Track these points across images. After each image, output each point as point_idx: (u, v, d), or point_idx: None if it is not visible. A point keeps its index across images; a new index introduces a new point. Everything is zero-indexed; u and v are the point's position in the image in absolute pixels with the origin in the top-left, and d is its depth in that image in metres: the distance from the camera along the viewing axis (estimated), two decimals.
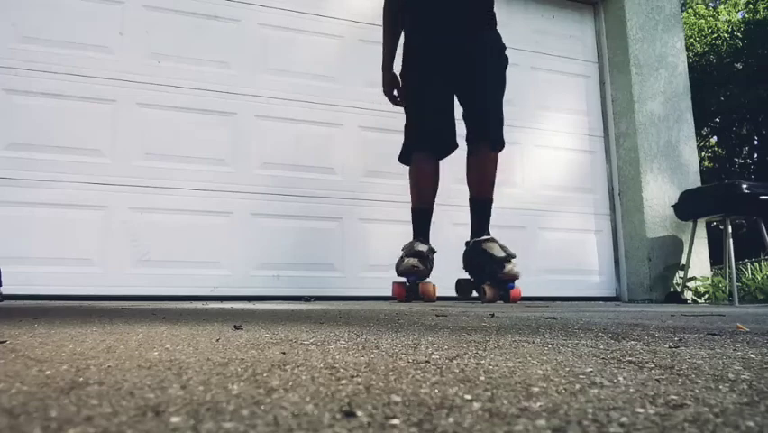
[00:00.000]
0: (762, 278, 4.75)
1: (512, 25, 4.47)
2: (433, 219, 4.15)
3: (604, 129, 4.73)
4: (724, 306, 3.55)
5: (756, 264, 5.62)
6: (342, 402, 0.47)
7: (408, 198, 4.09)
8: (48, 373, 0.60)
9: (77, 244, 3.31)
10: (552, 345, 0.93)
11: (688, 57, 4.99)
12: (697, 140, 4.84)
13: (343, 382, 0.57)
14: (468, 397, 0.50)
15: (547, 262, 4.30)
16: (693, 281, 4.24)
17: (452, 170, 4.16)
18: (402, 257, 3.12)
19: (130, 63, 3.56)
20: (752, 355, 0.81)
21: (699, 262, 4.34)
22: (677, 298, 4.18)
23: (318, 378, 0.58)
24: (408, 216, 4.07)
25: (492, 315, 1.70)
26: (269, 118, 3.82)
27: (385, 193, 3.99)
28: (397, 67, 3.24)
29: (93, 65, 3.48)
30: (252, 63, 3.83)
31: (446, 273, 4.06)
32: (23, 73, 3.35)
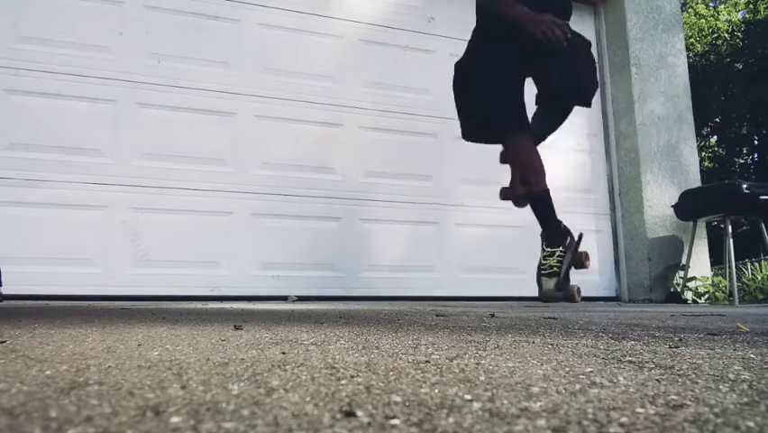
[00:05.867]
0: (762, 278, 4.75)
1: None
2: (437, 220, 4.16)
3: (604, 129, 4.73)
4: (724, 306, 3.55)
5: (756, 264, 5.62)
6: (342, 402, 0.47)
7: (408, 197, 4.11)
8: (48, 373, 0.60)
9: (77, 244, 3.31)
10: (552, 345, 0.93)
11: (688, 57, 4.99)
12: (697, 140, 4.84)
13: (344, 382, 0.57)
14: (468, 397, 0.50)
15: None
16: (693, 281, 4.24)
17: (456, 170, 4.17)
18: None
19: (130, 63, 3.56)
20: (752, 355, 0.81)
21: (699, 262, 4.34)
22: (677, 298, 4.18)
23: (318, 378, 0.58)
24: (409, 216, 4.08)
25: (492, 315, 1.70)
26: (269, 118, 3.81)
27: (385, 193, 3.99)
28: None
29: (93, 65, 3.48)
30: (252, 63, 3.83)
31: (449, 275, 4.07)
32: (23, 73, 3.34)
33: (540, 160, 2.47)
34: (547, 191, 2.47)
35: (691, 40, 16.22)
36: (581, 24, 4.84)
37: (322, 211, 3.83)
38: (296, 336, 1.02)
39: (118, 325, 1.24)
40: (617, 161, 4.64)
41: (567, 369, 0.67)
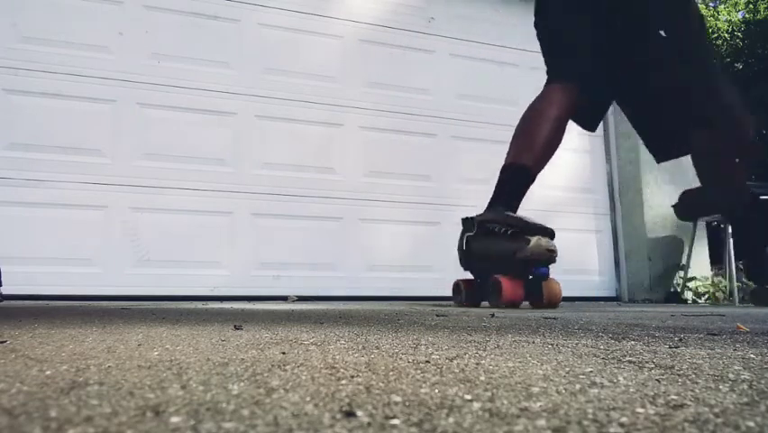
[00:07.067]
0: None
1: (512, 25, 4.47)
2: (437, 220, 4.16)
3: (604, 129, 4.72)
4: (724, 306, 3.55)
5: None
6: (342, 402, 0.47)
7: (408, 197, 4.08)
8: (48, 373, 0.60)
9: (77, 244, 3.31)
10: (552, 345, 0.93)
11: None
12: None
13: (344, 382, 0.57)
14: (468, 397, 0.50)
15: None
16: (693, 281, 4.24)
17: (455, 170, 4.17)
18: (525, 237, 2.05)
19: (130, 63, 3.56)
20: (752, 355, 0.81)
21: (699, 262, 4.33)
22: (677, 298, 4.18)
23: (318, 378, 0.58)
24: (409, 216, 4.08)
25: (492, 315, 1.70)
26: (269, 118, 3.82)
27: (385, 193, 3.99)
28: None
29: (93, 65, 3.48)
30: (252, 63, 3.83)
31: (449, 275, 4.06)
32: (23, 73, 3.35)
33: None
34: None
35: None
36: None
37: (322, 211, 3.83)
38: (296, 336, 1.02)
39: (118, 325, 1.24)
40: (616, 161, 4.64)
41: (567, 369, 0.67)
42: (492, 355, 0.78)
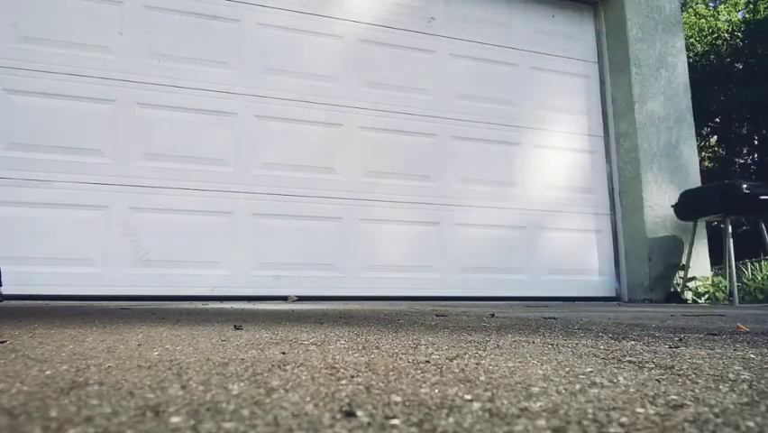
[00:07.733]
0: (762, 278, 4.75)
1: (512, 25, 4.47)
2: (437, 220, 4.16)
3: (604, 129, 4.73)
4: (724, 306, 3.55)
5: (756, 264, 5.61)
6: (342, 402, 0.47)
7: (408, 197, 4.07)
8: (48, 373, 0.60)
9: (77, 244, 3.31)
10: (552, 345, 0.93)
11: (688, 57, 4.99)
12: (697, 140, 4.83)
13: (344, 382, 0.57)
14: (468, 397, 0.50)
15: (547, 263, 4.30)
16: (693, 281, 4.24)
17: (456, 170, 4.17)
18: None
19: (130, 63, 3.56)
20: (752, 355, 0.81)
21: (699, 262, 4.33)
22: (677, 298, 4.18)
23: (318, 378, 0.58)
24: (409, 216, 4.08)
25: (492, 315, 1.70)
26: (269, 118, 3.81)
27: (385, 193, 3.99)
28: None
29: (93, 65, 3.48)
30: (252, 63, 3.83)
31: (449, 275, 4.07)
32: (23, 73, 3.34)
33: None
34: None
35: (691, 40, 16.22)
36: (581, 24, 4.85)
37: (322, 211, 3.83)
38: (296, 336, 1.02)
39: (118, 325, 1.24)
40: (617, 161, 4.64)
41: (567, 369, 0.67)
42: (492, 355, 0.78)
